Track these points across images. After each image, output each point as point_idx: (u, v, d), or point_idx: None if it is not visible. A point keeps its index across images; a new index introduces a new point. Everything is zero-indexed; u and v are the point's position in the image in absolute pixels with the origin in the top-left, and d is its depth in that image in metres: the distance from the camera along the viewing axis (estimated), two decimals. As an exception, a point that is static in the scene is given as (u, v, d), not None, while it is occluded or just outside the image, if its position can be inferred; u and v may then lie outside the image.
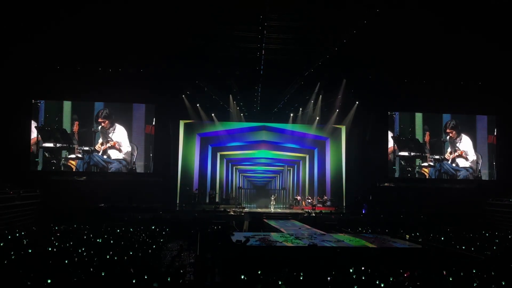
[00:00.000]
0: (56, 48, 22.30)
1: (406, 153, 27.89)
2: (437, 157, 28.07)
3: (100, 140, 25.79)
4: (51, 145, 25.33)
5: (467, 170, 28.22)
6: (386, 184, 27.33)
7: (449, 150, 28.16)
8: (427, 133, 28.07)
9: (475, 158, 28.22)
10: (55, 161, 25.40)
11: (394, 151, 27.82)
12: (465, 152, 28.22)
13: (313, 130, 28.25)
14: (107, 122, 25.93)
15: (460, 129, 28.29)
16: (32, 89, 24.61)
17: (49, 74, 23.89)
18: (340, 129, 28.45)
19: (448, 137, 28.21)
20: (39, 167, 25.26)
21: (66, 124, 25.51)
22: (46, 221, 20.98)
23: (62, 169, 25.43)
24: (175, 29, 21.25)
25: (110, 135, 26.00)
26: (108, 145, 25.87)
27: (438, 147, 28.16)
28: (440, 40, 21.36)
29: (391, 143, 27.82)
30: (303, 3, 19.07)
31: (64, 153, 25.53)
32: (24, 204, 20.89)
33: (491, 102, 26.71)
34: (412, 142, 27.95)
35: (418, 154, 27.97)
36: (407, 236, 17.81)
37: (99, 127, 25.91)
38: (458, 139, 28.25)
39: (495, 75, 24.92)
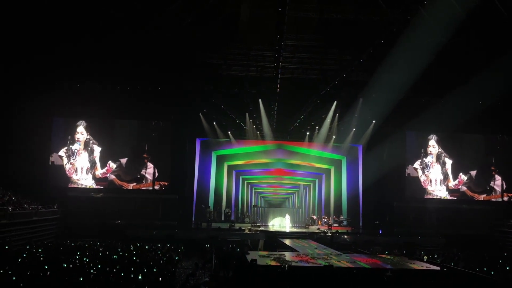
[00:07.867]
0: (76, 67, 22.85)
1: (424, 173, 27.57)
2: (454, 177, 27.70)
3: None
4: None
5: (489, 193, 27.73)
6: (403, 204, 26.84)
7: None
8: (444, 152, 27.73)
9: (500, 178, 27.68)
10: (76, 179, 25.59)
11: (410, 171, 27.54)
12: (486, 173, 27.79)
13: (330, 149, 28.10)
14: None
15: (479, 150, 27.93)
16: (52, 106, 24.93)
17: (69, 92, 24.37)
18: (356, 148, 28.28)
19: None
20: (58, 183, 25.17)
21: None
22: (63, 236, 21.15)
23: (79, 186, 25.45)
24: (193, 48, 21.63)
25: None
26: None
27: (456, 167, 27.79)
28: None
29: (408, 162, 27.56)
30: (320, 23, 19.27)
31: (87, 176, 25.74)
32: (42, 220, 21.09)
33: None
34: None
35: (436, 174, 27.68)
36: (425, 257, 17.48)
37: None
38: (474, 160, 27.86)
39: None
